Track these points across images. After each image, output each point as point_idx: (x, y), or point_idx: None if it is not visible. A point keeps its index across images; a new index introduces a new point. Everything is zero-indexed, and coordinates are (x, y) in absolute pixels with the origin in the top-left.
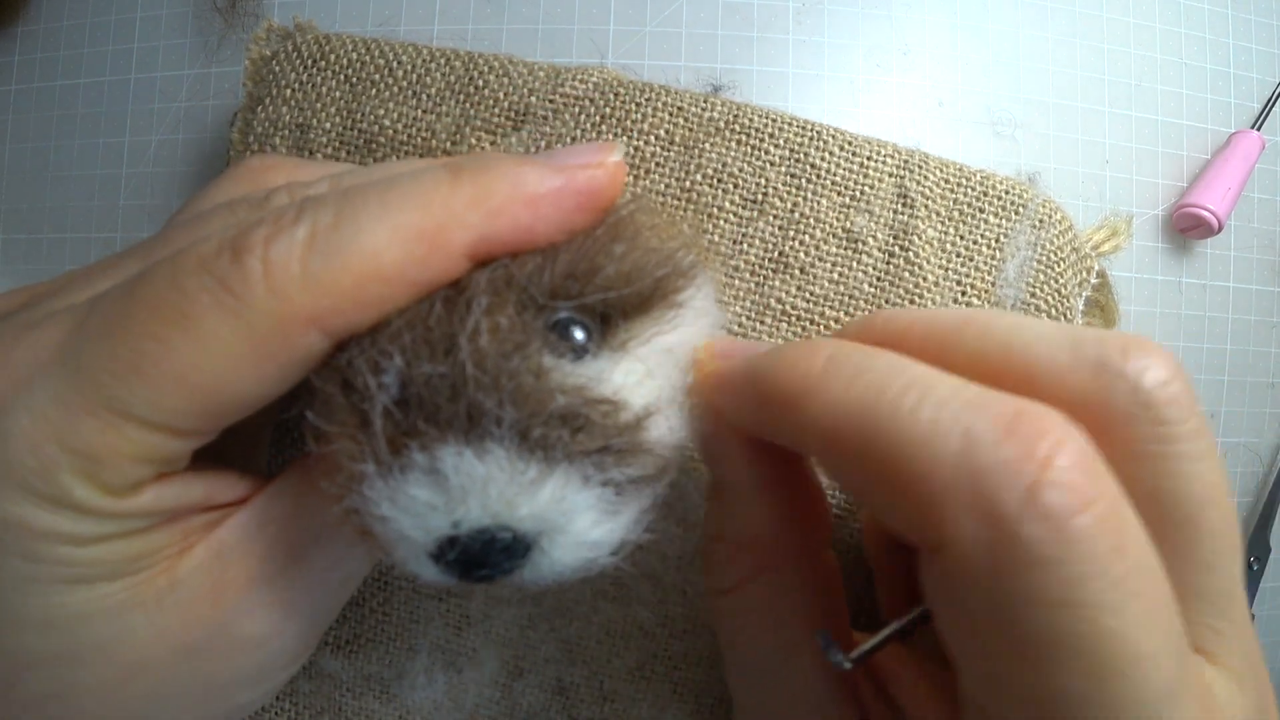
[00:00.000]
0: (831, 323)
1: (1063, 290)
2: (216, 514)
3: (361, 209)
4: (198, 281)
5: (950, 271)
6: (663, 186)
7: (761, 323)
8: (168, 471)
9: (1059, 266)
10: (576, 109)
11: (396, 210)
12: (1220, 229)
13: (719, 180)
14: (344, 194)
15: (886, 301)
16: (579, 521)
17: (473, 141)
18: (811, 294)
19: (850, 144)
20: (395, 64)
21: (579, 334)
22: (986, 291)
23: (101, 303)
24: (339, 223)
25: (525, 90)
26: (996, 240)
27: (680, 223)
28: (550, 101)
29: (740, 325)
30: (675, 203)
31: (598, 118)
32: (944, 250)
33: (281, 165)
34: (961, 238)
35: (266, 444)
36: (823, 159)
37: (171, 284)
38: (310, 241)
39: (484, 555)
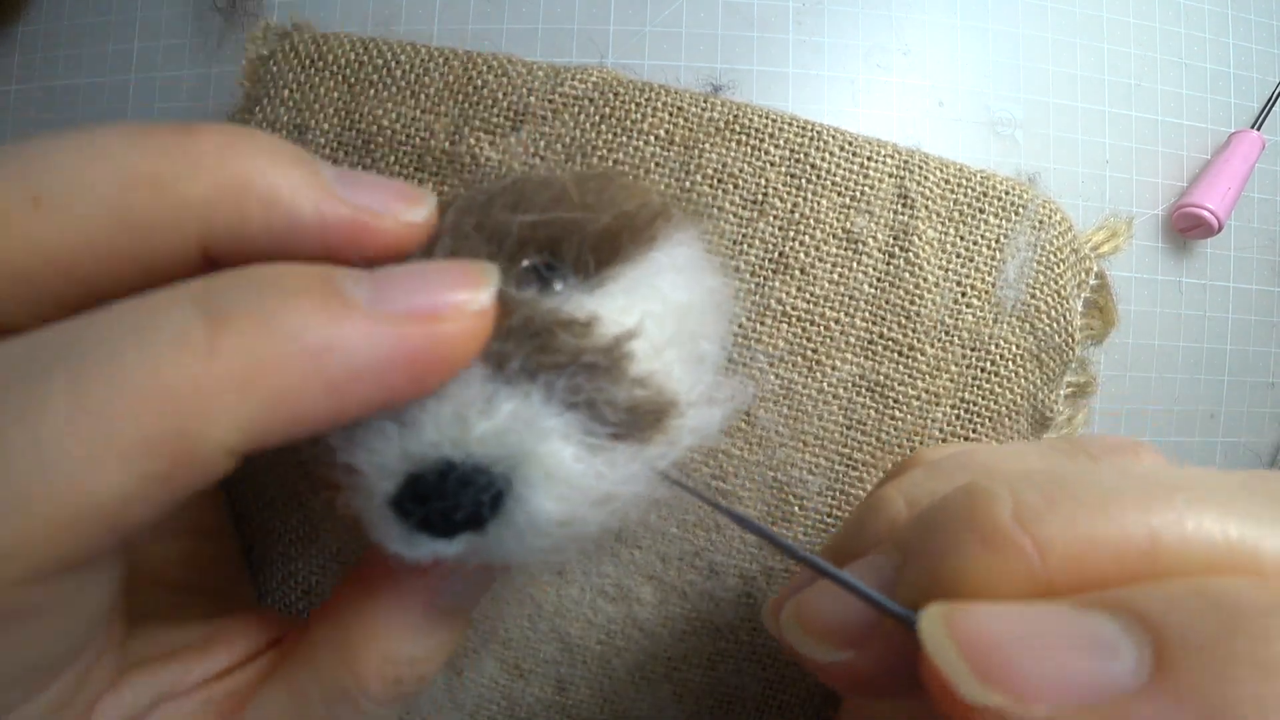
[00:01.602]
0: (832, 323)
1: (1062, 291)
2: (196, 697)
3: (47, 400)
4: None
5: (950, 272)
6: (663, 186)
7: (762, 323)
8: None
9: (1059, 268)
10: (576, 109)
11: (106, 405)
12: (1220, 229)
13: (719, 180)
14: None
15: (886, 302)
16: (553, 448)
17: (471, 141)
18: (812, 294)
19: (850, 144)
20: (394, 64)
21: (552, 278)
22: (986, 292)
23: None
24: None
25: (524, 90)
26: (996, 241)
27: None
28: (550, 101)
29: (741, 326)
30: (675, 203)
31: (597, 117)
32: (944, 251)
33: None
34: (961, 238)
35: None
36: (823, 159)
37: None
38: None
39: (447, 492)
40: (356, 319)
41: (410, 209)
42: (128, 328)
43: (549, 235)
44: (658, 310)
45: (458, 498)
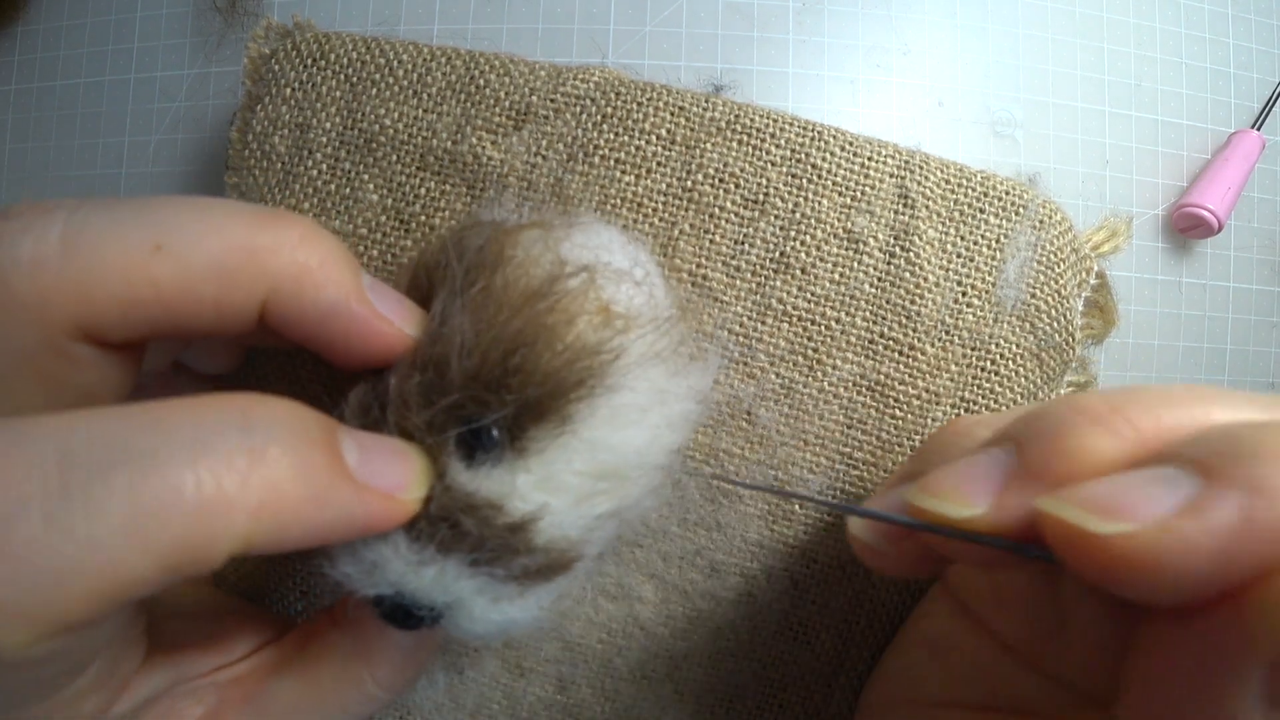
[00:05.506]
0: (833, 322)
1: (1062, 291)
2: (205, 681)
3: (109, 500)
4: None
5: (950, 272)
6: (664, 186)
7: (763, 323)
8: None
9: (1059, 267)
10: (578, 108)
11: (157, 511)
12: (1220, 229)
13: (720, 180)
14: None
15: (887, 302)
16: (469, 602)
17: (474, 140)
18: (813, 294)
19: (851, 144)
20: (395, 63)
21: (493, 435)
22: (986, 292)
23: None
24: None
25: (527, 89)
26: (997, 241)
27: (609, 309)
28: (552, 101)
29: (741, 325)
30: (676, 203)
31: (599, 117)
32: (944, 251)
33: None
34: (962, 238)
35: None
36: (824, 159)
37: None
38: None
39: (395, 614)
40: (347, 482)
41: (412, 325)
42: (185, 440)
43: (475, 409)
44: (580, 466)
45: (406, 618)
